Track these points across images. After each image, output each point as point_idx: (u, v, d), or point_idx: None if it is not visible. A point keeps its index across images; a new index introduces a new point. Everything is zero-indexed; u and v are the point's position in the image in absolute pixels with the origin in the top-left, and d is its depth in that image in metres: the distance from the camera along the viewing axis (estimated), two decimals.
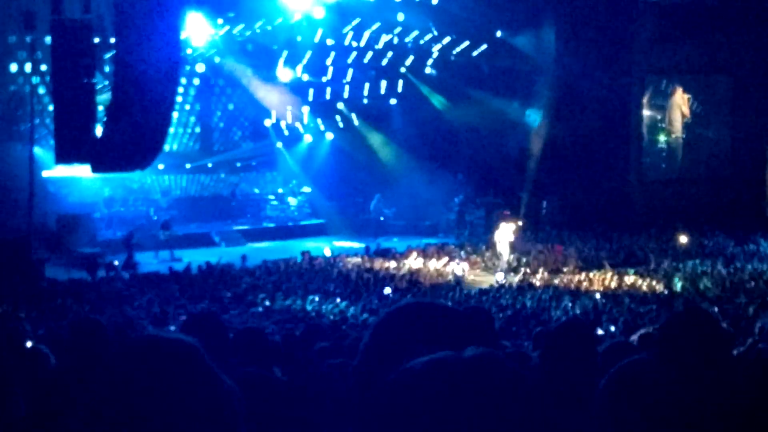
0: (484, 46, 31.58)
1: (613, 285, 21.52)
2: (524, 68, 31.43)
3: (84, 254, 24.60)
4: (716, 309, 16.03)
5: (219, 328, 4.74)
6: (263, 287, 20.69)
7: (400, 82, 32.75)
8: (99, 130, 20.28)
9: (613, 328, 14.12)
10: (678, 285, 21.25)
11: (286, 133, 33.07)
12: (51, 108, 21.41)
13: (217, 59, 29.58)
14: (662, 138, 33.42)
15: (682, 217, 29.56)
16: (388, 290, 20.12)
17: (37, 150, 24.81)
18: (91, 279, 21.91)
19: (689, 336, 3.21)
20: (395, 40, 30.86)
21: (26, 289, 19.49)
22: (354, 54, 30.95)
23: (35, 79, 25.19)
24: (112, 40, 20.69)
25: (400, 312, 1.97)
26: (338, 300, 18.90)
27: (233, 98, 31.95)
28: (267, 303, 18.77)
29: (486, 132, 31.55)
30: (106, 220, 28.52)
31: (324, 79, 31.69)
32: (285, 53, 29.92)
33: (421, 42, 31.27)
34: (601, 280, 22.04)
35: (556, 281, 22.29)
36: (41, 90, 25.62)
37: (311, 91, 31.91)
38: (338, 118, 33.28)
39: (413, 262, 24.62)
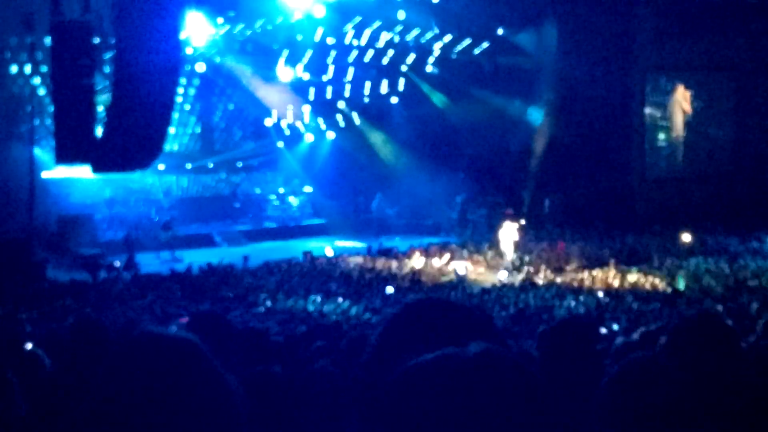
0: (485, 44, 31.57)
1: (616, 283, 21.49)
2: (526, 66, 31.41)
3: (85, 255, 24.60)
4: (720, 307, 16.00)
5: (223, 327, 4.72)
6: (265, 287, 20.69)
7: (402, 81, 32.73)
8: (99, 131, 20.28)
9: (616, 327, 14.08)
10: (681, 283, 21.19)
11: (287, 132, 33.07)
12: (51, 109, 21.37)
13: (217, 59, 29.57)
14: (664, 136, 33.36)
15: (685, 214, 29.54)
16: (390, 289, 20.12)
17: (38, 151, 24.82)
18: (93, 280, 21.92)
19: (700, 341, 3.22)
20: (396, 39, 30.84)
21: (27, 290, 19.50)
22: (355, 53, 30.93)
23: (35, 80, 25.18)
24: (112, 41, 20.64)
25: (409, 310, 1.94)
26: (340, 300, 18.87)
27: (234, 98, 31.93)
28: (268, 303, 18.76)
29: (488, 130, 31.53)
30: (107, 221, 28.53)
31: (325, 78, 31.67)
32: (285, 52, 29.91)
33: (422, 40, 31.25)
34: (604, 279, 22.00)
35: (559, 280, 22.26)
36: (41, 91, 25.60)
37: (312, 90, 31.90)
38: (339, 117, 33.28)
39: (415, 261, 24.59)
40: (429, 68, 32.45)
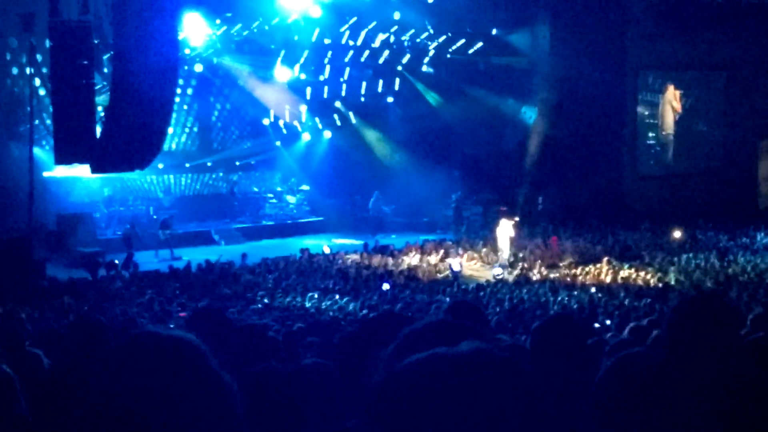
0: (479, 44, 31.75)
1: (609, 279, 21.72)
2: (520, 65, 31.62)
3: (84, 253, 24.72)
4: None
5: (223, 323, 4.85)
6: (263, 285, 20.85)
7: (397, 80, 32.91)
8: (98, 131, 20.43)
9: (608, 322, 14.31)
10: (672, 278, 21.44)
11: (285, 131, 33.18)
12: (51, 109, 21.49)
13: (215, 59, 29.70)
14: (655, 134, 33.58)
15: (676, 211, 29.79)
16: (386, 286, 20.23)
17: (38, 150, 24.92)
18: (92, 278, 22.01)
19: (702, 319, 3.23)
20: (392, 39, 31.02)
21: (27, 289, 19.59)
22: (351, 53, 31.10)
23: (35, 81, 25.31)
24: (111, 41, 20.77)
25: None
26: (337, 297, 19.03)
27: (231, 97, 32.03)
28: (266, 300, 18.91)
29: (482, 129, 31.72)
30: (105, 220, 28.64)
31: (321, 78, 31.81)
32: (282, 52, 30.05)
33: (418, 40, 31.46)
34: (597, 275, 22.23)
35: (553, 276, 22.47)
36: (42, 91, 25.75)
37: (309, 89, 32.01)
38: (336, 116, 33.40)
39: (411, 258, 24.78)
40: (424, 68, 32.63)
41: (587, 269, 22.90)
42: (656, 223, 28.86)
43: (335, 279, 21.63)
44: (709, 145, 33.96)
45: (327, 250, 26.28)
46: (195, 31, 27.24)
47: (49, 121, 23.40)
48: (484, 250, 25.91)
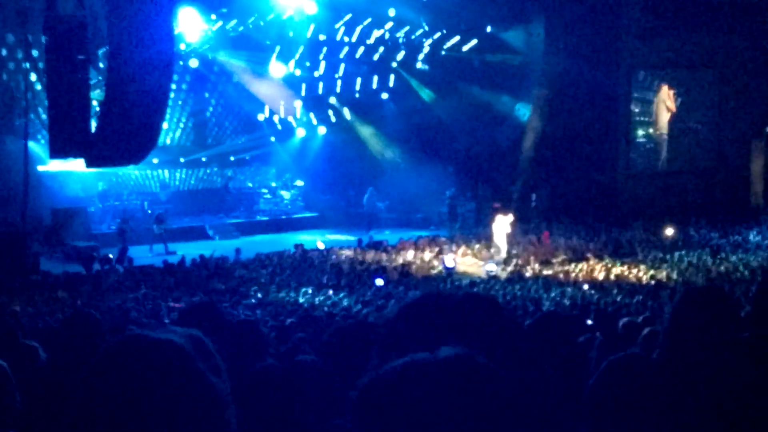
0: (474, 41, 31.80)
1: (602, 276, 21.80)
2: (514, 63, 31.68)
3: (79, 247, 24.75)
4: None
5: (216, 318, 4.90)
6: (257, 280, 20.89)
7: (392, 77, 32.95)
8: (93, 125, 20.45)
9: (589, 322, 14.33)
10: (665, 276, 21.53)
11: (279, 127, 33.21)
12: (46, 103, 21.49)
13: (210, 54, 29.73)
14: (647, 132, 33.67)
15: (669, 209, 29.89)
16: (380, 282, 20.27)
17: (33, 144, 24.93)
18: (86, 272, 22.04)
19: (705, 315, 3.22)
20: (387, 35, 31.07)
21: (21, 282, 19.61)
22: (346, 49, 31.14)
23: (31, 76, 25.31)
24: (106, 36, 20.77)
25: (414, 307, 2.01)
26: (331, 292, 19.08)
27: (226, 93, 32.06)
28: (260, 295, 18.95)
29: (476, 126, 31.77)
30: (100, 214, 28.66)
31: (316, 74, 31.87)
32: (278, 48, 30.09)
33: (413, 37, 31.51)
34: (590, 271, 22.32)
35: (546, 272, 22.55)
36: (37, 86, 25.76)
37: (304, 85, 32.06)
38: (331, 112, 33.44)
39: (405, 254, 24.83)
40: (419, 64, 32.69)
41: (580, 266, 22.98)
42: (649, 221, 28.96)
43: (329, 274, 21.68)
44: (702, 144, 34.04)
45: (321, 246, 26.32)
46: (190, 26, 27.27)
47: (44, 115, 23.41)
48: (478, 246, 25.98)
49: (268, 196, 32.91)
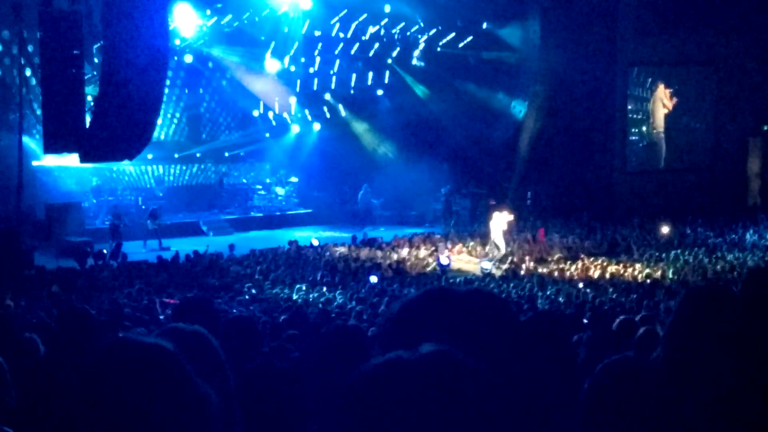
0: (470, 38, 31.79)
1: (597, 274, 21.80)
2: (510, 60, 31.67)
3: (73, 243, 24.70)
4: None
5: (211, 314, 4.88)
6: (251, 276, 20.86)
7: (387, 73, 32.92)
8: (88, 120, 20.41)
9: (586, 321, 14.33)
10: (660, 274, 21.55)
11: (274, 123, 33.17)
12: (41, 98, 21.44)
13: (204, 50, 29.67)
14: (643, 130, 33.68)
15: (665, 207, 29.91)
16: (374, 279, 20.27)
17: (27, 139, 24.85)
18: (80, 267, 21.99)
19: (709, 314, 3.19)
20: (382, 32, 31.04)
21: (15, 277, 19.56)
22: (341, 45, 31.11)
23: (26, 71, 25.23)
24: (101, 31, 20.73)
25: (417, 301, 1.99)
26: (325, 289, 19.06)
27: (221, 89, 32.00)
28: (254, 291, 18.92)
29: (472, 123, 31.75)
30: (94, 209, 28.60)
31: (311, 70, 31.82)
32: (272, 44, 30.04)
33: (408, 33, 31.49)
34: (585, 269, 22.32)
35: (541, 270, 22.54)
36: (32, 81, 25.70)
37: (298, 81, 32.02)
38: (325, 108, 33.40)
39: (400, 251, 24.82)
40: (414, 61, 32.65)
41: (575, 264, 22.98)
42: (645, 219, 28.97)
43: (323, 271, 21.65)
44: (699, 142, 34.07)
45: (315, 242, 26.30)
46: (185, 21, 27.22)
47: (39, 111, 23.34)
48: (472, 243, 25.98)
49: (263, 192, 32.85)
